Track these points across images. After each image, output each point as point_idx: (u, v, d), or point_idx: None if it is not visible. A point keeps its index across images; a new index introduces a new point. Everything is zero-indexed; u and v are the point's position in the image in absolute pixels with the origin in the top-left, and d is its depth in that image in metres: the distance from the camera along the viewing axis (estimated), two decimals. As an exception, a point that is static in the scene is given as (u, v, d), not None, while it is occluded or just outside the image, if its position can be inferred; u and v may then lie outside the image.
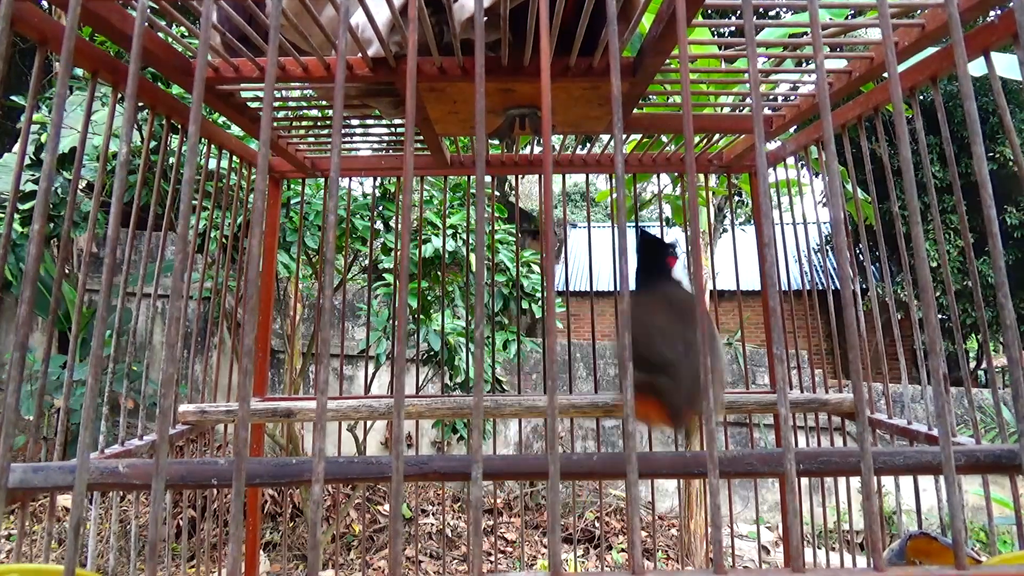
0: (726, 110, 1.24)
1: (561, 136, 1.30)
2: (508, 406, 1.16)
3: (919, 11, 0.70)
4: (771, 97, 1.16)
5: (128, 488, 0.36)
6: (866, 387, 1.11)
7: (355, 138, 1.29)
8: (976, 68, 1.20)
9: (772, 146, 1.34)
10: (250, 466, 0.40)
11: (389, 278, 2.80)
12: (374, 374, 3.16)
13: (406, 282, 0.29)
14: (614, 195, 2.51)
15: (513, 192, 3.17)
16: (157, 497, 0.22)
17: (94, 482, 0.39)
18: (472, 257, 2.88)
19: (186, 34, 0.73)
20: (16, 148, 3.38)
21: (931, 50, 0.78)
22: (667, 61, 0.73)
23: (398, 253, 2.88)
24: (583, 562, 3.61)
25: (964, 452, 0.45)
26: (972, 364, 8.49)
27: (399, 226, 1.72)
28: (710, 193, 1.91)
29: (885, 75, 0.88)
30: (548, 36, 0.32)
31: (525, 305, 2.94)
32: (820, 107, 0.31)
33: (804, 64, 1.02)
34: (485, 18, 0.60)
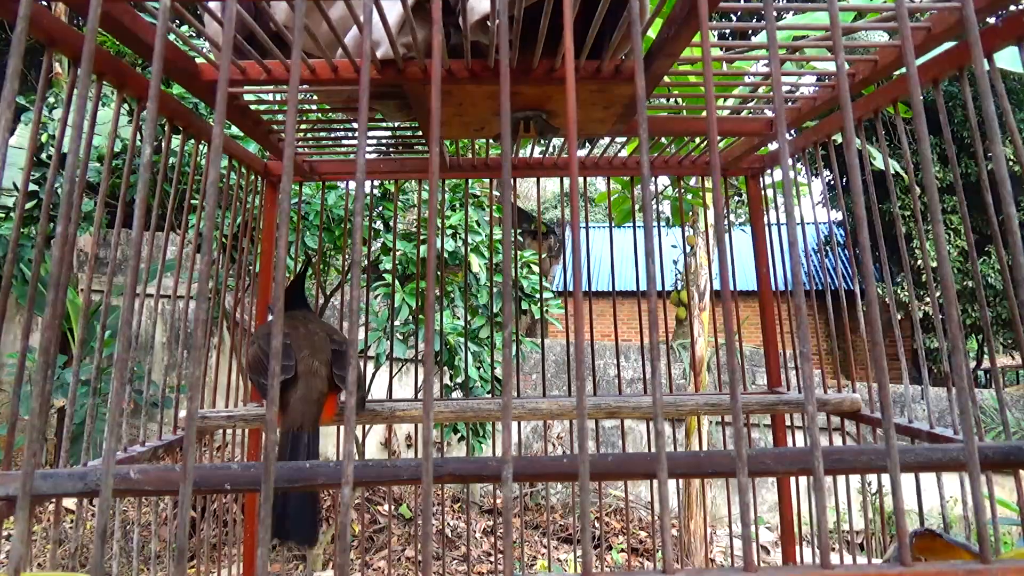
0: (726, 112, 1.25)
1: (561, 139, 1.30)
2: (511, 408, 1.16)
3: (926, 13, 0.71)
4: (771, 100, 1.16)
5: (141, 494, 0.36)
6: (865, 387, 1.11)
7: (355, 140, 1.29)
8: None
9: (772, 147, 1.34)
10: (260, 471, 0.40)
11: (389, 278, 2.80)
12: (374, 374, 3.16)
13: (432, 283, 0.29)
14: (629, 194, 2.52)
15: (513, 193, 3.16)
16: (184, 502, 0.22)
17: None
18: (472, 258, 2.87)
19: (192, 34, 0.73)
20: (13, 142, 3.37)
21: (933, 52, 0.79)
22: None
23: (399, 253, 2.89)
24: (583, 562, 3.61)
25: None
26: (972, 364, 8.52)
27: (397, 226, 1.72)
28: (707, 194, 1.91)
29: (887, 77, 0.88)
30: (571, 39, 0.32)
31: (525, 306, 2.94)
32: (841, 105, 0.32)
33: (804, 66, 1.03)
34: (497, 21, 0.60)
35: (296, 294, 1.15)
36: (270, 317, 1.17)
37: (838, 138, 1.07)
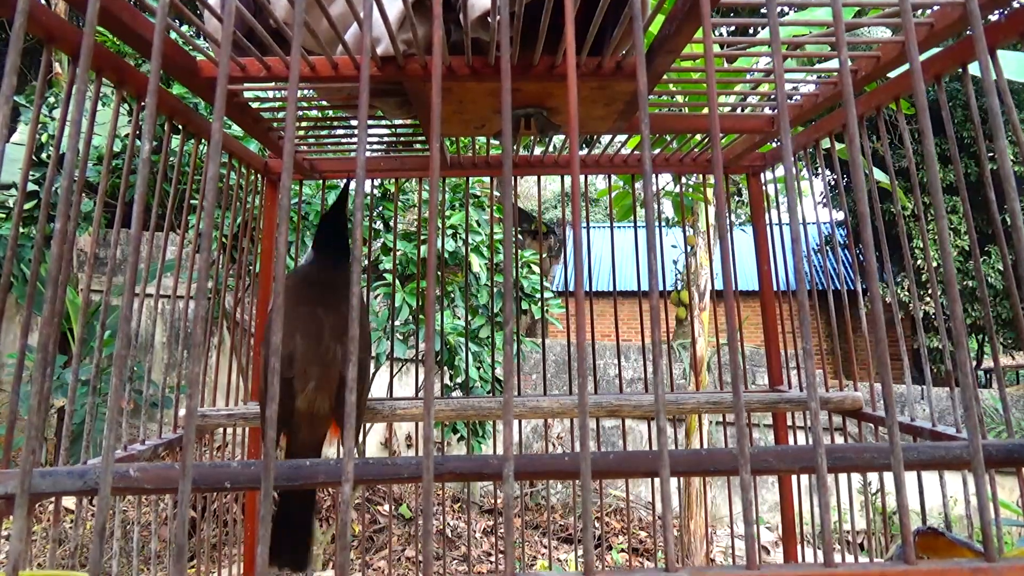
0: (727, 109, 1.24)
1: (562, 137, 1.30)
2: (512, 407, 1.16)
3: (928, 10, 0.71)
4: (773, 96, 1.16)
5: (140, 492, 0.36)
6: (866, 387, 1.11)
7: (355, 138, 1.28)
8: (973, 68, 1.21)
9: (774, 144, 1.34)
10: (260, 469, 0.40)
11: (389, 278, 2.80)
12: (374, 375, 3.16)
13: (432, 283, 0.29)
14: (630, 189, 2.52)
15: (514, 192, 3.15)
16: (183, 500, 0.22)
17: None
18: (473, 257, 2.87)
19: (193, 34, 0.73)
20: (14, 138, 3.38)
21: (932, 51, 0.78)
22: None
23: (399, 253, 2.88)
24: (583, 562, 3.61)
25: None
26: (973, 364, 8.52)
27: (397, 226, 1.71)
28: (707, 189, 1.91)
29: (888, 75, 0.88)
30: (572, 35, 0.32)
31: (525, 306, 2.94)
32: (844, 101, 0.31)
33: (806, 62, 1.02)
34: (498, 18, 0.60)
35: (335, 230, 1.00)
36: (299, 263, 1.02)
37: (837, 141, 1.07)
